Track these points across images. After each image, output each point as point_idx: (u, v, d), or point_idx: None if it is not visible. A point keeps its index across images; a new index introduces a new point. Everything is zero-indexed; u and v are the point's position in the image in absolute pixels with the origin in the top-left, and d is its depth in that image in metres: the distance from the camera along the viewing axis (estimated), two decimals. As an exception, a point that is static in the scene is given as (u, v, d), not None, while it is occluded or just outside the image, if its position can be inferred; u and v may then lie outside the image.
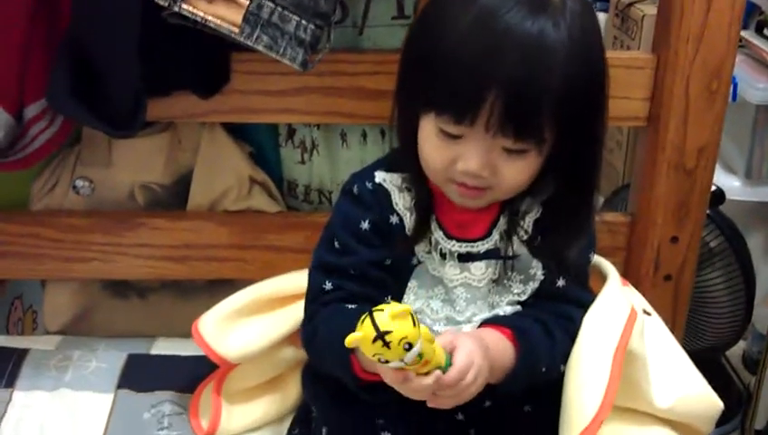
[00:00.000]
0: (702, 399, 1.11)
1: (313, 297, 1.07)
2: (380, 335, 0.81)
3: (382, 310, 0.82)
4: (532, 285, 1.06)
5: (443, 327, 1.05)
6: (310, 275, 1.09)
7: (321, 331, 1.04)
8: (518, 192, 1.01)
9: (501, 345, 0.99)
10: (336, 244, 1.06)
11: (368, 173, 1.07)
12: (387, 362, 0.83)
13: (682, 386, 1.10)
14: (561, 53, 0.91)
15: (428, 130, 0.97)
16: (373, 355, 0.83)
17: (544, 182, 1.02)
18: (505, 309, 1.06)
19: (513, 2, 0.91)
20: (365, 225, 1.04)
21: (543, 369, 1.01)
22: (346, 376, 0.99)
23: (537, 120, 0.92)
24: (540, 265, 1.05)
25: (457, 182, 0.98)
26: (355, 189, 1.06)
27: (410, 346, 0.82)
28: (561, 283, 1.06)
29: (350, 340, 0.82)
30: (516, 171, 0.97)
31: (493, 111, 0.91)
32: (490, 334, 0.99)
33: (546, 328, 1.03)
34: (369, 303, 1.03)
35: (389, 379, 0.89)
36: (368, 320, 0.82)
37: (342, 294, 1.04)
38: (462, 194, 0.99)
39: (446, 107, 0.93)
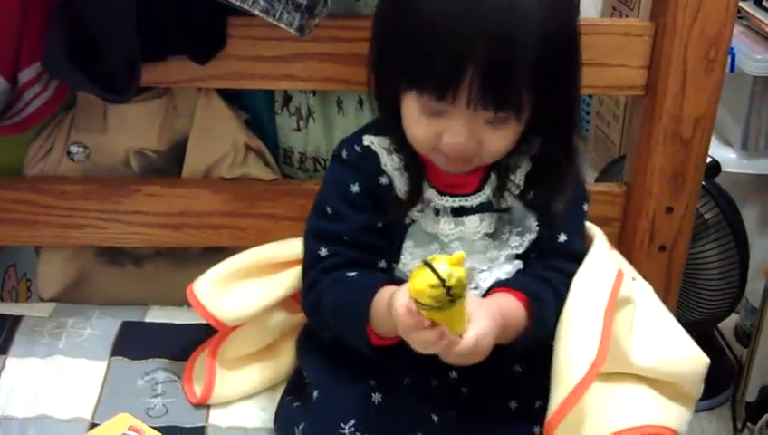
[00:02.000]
0: (688, 358, 1.10)
1: (310, 264, 1.08)
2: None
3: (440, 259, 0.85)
4: (529, 237, 1.07)
5: None
6: (304, 241, 1.10)
7: (326, 300, 1.05)
8: (503, 156, 1.02)
9: (514, 313, 1.00)
10: (328, 209, 1.07)
11: (356, 137, 1.08)
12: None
13: (665, 345, 1.10)
14: (534, 14, 0.91)
15: (411, 108, 0.98)
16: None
17: (528, 140, 1.03)
18: (504, 267, 1.07)
19: None
20: (355, 188, 1.05)
21: (550, 331, 1.03)
22: (360, 343, 1.01)
23: (515, 87, 0.93)
24: (534, 216, 1.07)
25: (443, 153, 0.99)
26: (344, 154, 1.08)
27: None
28: (563, 238, 1.08)
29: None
30: (499, 140, 0.99)
31: (473, 83, 0.92)
32: (506, 302, 1.00)
33: (555, 290, 1.05)
34: (366, 267, 1.05)
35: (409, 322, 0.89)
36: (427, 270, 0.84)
37: (339, 260, 1.05)
38: (448, 163, 1.01)
39: (427, 85, 0.94)
